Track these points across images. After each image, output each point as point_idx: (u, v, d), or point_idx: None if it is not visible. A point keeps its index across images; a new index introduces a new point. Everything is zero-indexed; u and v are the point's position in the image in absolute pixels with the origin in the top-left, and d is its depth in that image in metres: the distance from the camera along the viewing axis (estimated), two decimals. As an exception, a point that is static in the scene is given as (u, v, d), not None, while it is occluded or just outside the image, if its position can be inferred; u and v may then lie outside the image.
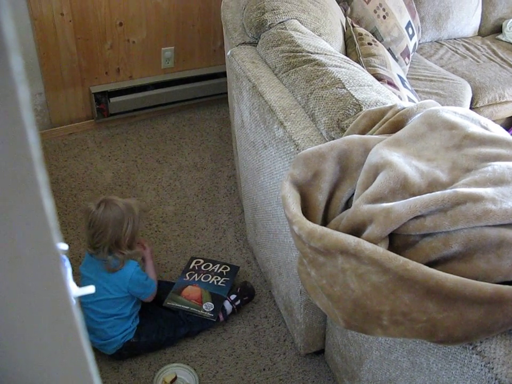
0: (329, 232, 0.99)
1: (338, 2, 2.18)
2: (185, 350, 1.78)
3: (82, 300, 1.65)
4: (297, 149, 1.28)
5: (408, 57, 2.41)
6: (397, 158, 1.05)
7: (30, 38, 2.38)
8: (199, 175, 2.54)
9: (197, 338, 1.81)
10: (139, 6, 2.56)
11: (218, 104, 3.05)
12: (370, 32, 2.15)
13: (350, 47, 1.95)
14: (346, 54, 1.93)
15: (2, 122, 0.24)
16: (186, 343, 1.80)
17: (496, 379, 0.83)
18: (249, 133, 1.63)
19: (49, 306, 0.29)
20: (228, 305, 1.85)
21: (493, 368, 0.85)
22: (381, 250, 0.93)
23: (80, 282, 1.70)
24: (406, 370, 1.11)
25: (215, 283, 1.90)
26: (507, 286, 0.86)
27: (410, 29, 2.40)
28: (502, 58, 2.71)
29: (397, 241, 0.99)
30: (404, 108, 1.23)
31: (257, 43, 1.72)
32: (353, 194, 1.11)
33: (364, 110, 1.27)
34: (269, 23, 1.67)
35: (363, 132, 1.22)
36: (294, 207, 1.07)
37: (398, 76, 1.93)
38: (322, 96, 1.35)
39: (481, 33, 3.00)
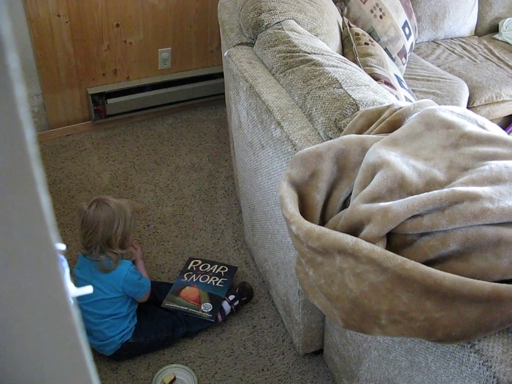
0: (327, 232, 0.99)
1: (335, 3, 2.18)
2: (184, 350, 1.78)
3: (78, 302, 1.65)
4: (295, 149, 1.28)
5: (405, 57, 2.42)
6: (394, 158, 1.05)
7: (26, 39, 2.38)
8: (197, 176, 2.54)
9: (195, 339, 1.81)
10: (136, 7, 2.56)
11: (216, 105, 3.05)
12: (367, 32, 2.15)
13: (347, 47, 1.95)
14: (343, 54, 1.93)
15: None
16: (184, 343, 1.80)
17: (494, 377, 0.84)
18: (247, 133, 1.63)
19: (46, 303, 0.29)
20: (226, 306, 1.85)
21: (491, 367, 0.85)
22: (378, 250, 0.93)
23: (75, 285, 1.70)
24: (404, 369, 1.11)
25: (213, 284, 1.90)
26: (505, 285, 0.86)
27: (407, 29, 2.40)
28: (498, 58, 2.71)
29: (395, 240, 0.99)
30: (401, 108, 1.23)
31: (254, 43, 1.72)
32: (350, 193, 1.12)
33: (361, 109, 1.28)
34: (265, 24, 1.67)
35: (360, 132, 1.22)
36: (292, 207, 1.07)
37: (395, 75, 1.93)
38: (320, 96, 1.35)
39: (477, 32, 3.01)
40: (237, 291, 1.90)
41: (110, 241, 1.63)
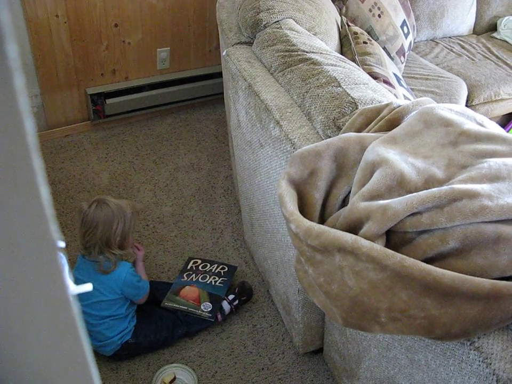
0: (326, 230, 0.99)
1: (334, 1, 2.18)
2: (184, 350, 1.78)
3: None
4: (294, 148, 1.28)
5: (404, 56, 2.42)
6: (393, 156, 1.05)
7: (25, 40, 2.38)
8: (196, 175, 2.54)
9: (195, 338, 1.81)
10: (134, 7, 2.56)
11: (214, 104, 3.05)
12: (365, 31, 2.15)
13: (346, 46, 1.95)
14: (342, 53, 1.93)
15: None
16: (184, 343, 1.80)
17: (494, 374, 0.84)
18: (246, 133, 1.63)
19: (46, 296, 0.29)
20: (226, 305, 1.85)
21: (491, 364, 0.85)
22: (378, 248, 0.93)
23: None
24: (404, 367, 1.11)
25: (213, 283, 1.90)
26: (504, 282, 0.86)
27: (405, 28, 2.40)
28: (497, 56, 2.71)
29: (394, 238, 0.99)
30: (399, 106, 1.23)
31: (252, 43, 1.72)
32: (349, 192, 1.12)
33: (359, 108, 1.28)
34: (264, 23, 1.67)
35: (359, 130, 1.23)
36: (291, 205, 1.07)
37: (394, 74, 1.93)
38: (318, 95, 1.35)
39: (476, 31, 3.01)
40: (236, 290, 1.90)
41: (109, 241, 1.62)
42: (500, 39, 2.90)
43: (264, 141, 1.46)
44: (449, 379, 0.95)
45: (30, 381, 0.35)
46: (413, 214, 0.95)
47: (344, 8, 2.27)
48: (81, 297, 1.61)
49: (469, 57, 2.71)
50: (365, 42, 1.94)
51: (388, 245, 0.98)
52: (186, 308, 1.79)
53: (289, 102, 1.43)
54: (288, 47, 1.54)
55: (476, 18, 2.97)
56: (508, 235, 0.90)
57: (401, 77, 2.05)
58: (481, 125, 1.14)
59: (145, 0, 2.57)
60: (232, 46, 1.76)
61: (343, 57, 1.55)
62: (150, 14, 2.62)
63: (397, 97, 1.64)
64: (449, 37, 2.92)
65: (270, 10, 1.68)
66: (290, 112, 1.39)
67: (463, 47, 2.81)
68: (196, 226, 2.26)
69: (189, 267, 1.98)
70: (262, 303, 1.95)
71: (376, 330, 0.97)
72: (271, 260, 1.73)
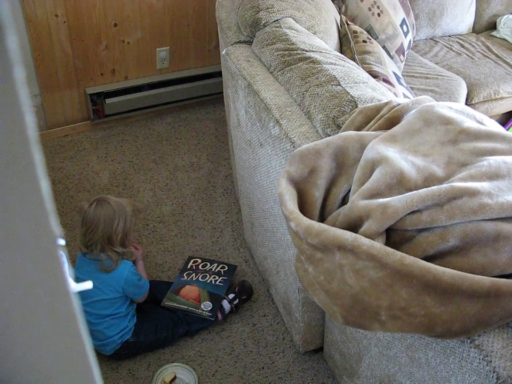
0: (326, 228, 0.99)
1: (333, 0, 2.18)
2: (184, 349, 1.78)
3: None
4: (293, 147, 1.28)
5: (403, 55, 2.42)
6: (393, 154, 1.05)
7: (24, 40, 2.38)
8: (196, 175, 2.54)
9: (195, 337, 1.81)
10: (133, 7, 2.56)
11: (214, 103, 3.04)
12: (365, 29, 2.15)
13: (345, 44, 1.95)
14: (341, 52, 1.93)
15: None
16: (185, 342, 1.80)
17: (494, 372, 0.84)
18: (245, 132, 1.63)
19: (46, 290, 0.29)
20: (226, 305, 1.85)
21: (491, 362, 0.85)
22: (378, 246, 0.93)
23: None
24: (404, 365, 1.11)
25: (213, 282, 1.90)
26: (504, 280, 0.87)
27: (404, 26, 2.40)
28: (496, 55, 2.71)
29: (394, 236, 0.99)
30: (399, 104, 1.23)
31: (252, 42, 1.72)
32: (349, 190, 1.12)
33: (359, 106, 1.28)
34: (263, 22, 1.67)
35: (359, 129, 1.23)
36: (291, 204, 1.07)
37: (393, 73, 1.93)
38: (318, 94, 1.35)
39: (475, 30, 3.01)
40: (236, 290, 1.90)
41: (110, 239, 1.63)
42: (499, 38, 2.90)
43: (264, 140, 1.46)
44: (450, 377, 0.95)
45: (31, 380, 0.35)
46: (413, 212, 0.95)
47: (343, 7, 2.27)
48: (82, 296, 1.60)
49: (468, 55, 2.71)
50: (364, 41, 1.94)
51: (388, 243, 0.98)
52: (186, 307, 1.80)
53: (289, 100, 1.43)
54: (288, 46, 1.54)
55: (475, 17, 2.97)
56: (507, 233, 0.90)
57: (400, 76, 2.05)
58: (481, 123, 1.14)
59: (145, 0, 2.57)
60: (232, 45, 1.76)
61: (342, 56, 1.55)
62: (149, 14, 2.62)
63: (396, 96, 1.64)
64: (449, 36, 2.91)
65: (270, 9, 1.68)
66: (290, 111, 1.39)
67: (462, 46, 2.80)
68: (195, 226, 2.26)
69: (189, 266, 1.98)
70: (262, 302, 1.95)
71: (376, 328, 0.97)
72: (271, 259, 1.73)
